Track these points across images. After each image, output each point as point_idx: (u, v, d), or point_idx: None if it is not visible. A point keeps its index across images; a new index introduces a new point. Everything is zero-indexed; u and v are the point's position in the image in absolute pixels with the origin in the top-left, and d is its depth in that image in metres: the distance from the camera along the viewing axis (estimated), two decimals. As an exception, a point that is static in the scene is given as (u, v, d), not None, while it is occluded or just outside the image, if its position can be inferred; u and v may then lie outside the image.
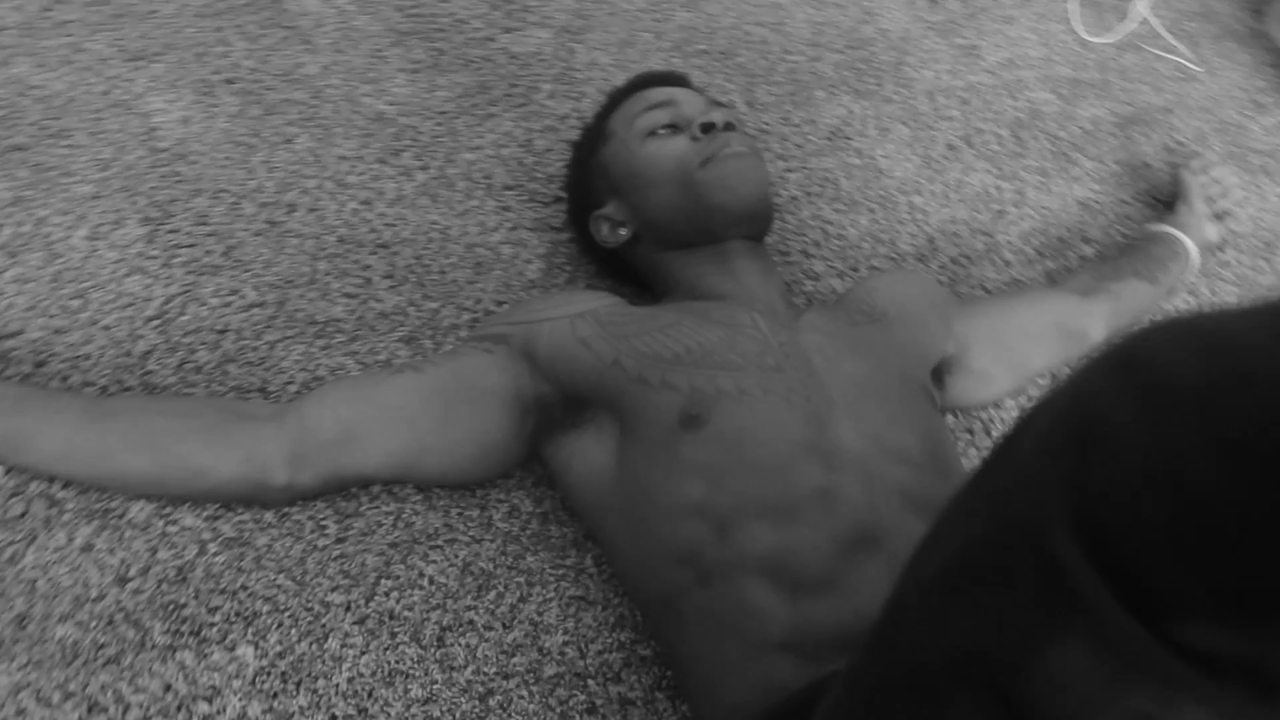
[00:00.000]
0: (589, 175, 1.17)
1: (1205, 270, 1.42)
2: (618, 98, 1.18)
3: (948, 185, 1.49)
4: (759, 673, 0.80)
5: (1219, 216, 1.43)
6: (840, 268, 1.35)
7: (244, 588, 0.94)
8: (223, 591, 0.94)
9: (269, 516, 0.98)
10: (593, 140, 1.17)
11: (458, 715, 0.91)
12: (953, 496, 0.51)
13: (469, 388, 0.98)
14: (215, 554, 0.96)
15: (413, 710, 0.91)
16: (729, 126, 1.10)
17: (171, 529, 0.96)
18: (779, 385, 0.92)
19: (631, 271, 1.19)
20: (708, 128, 1.09)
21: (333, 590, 0.96)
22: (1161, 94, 1.72)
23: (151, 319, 1.10)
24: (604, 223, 1.15)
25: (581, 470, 0.98)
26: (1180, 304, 1.38)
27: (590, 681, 0.95)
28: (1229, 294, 1.41)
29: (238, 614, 0.93)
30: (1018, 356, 1.19)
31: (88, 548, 0.94)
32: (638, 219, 1.12)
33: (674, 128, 1.11)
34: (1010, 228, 1.44)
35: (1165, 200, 1.51)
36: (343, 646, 0.93)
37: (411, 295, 1.18)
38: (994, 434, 1.19)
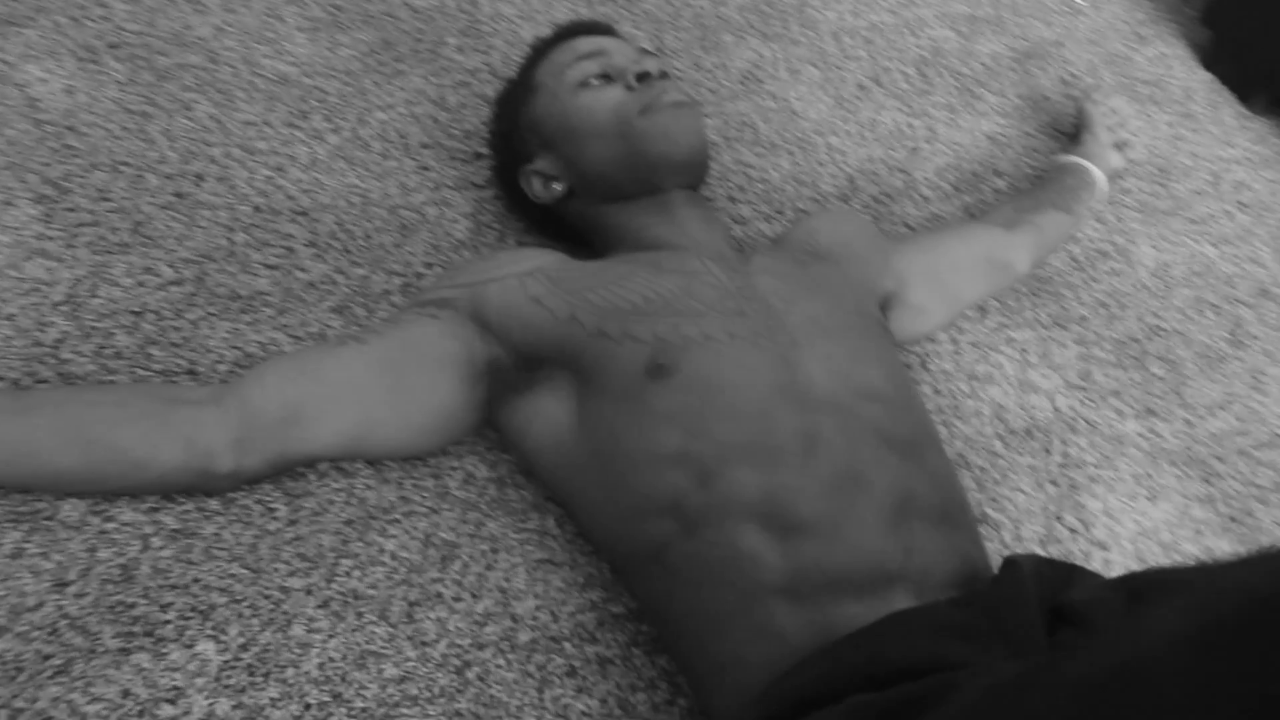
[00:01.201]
0: (517, 130, 1.13)
1: (1110, 198, 1.46)
2: (543, 49, 1.14)
3: (861, 125, 1.50)
4: (756, 620, 0.79)
5: (1119, 146, 1.48)
6: (766, 211, 1.35)
7: (196, 580, 0.89)
8: (174, 587, 0.88)
9: (214, 504, 0.93)
10: (519, 93, 1.13)
11: (436, 690, 0.88)
12: None
13: (418, 356, 0.94)
14: (160, 548, 0.90)
15: (389, 691, 0.87)
16: (663, 75, 1.08)
17: (109, 526, 0.90)
18: (743, 329, 0.91)
19: (566, 227, 1.16)
20: (643, 76, 1.06)
21: (290, 575, 0.91)
22: (1052, 28, 1.77)
23: (59, 304, 1.02)
24: (536, 178, 1.11)
25: (542, 431, 0.95)
26: (1089, 230, 1.42)
27: (566, 644, 0.93)
28: (1133, 219, 1.45)
29: (193, 609, 0.88)
30: (951, 290, 1.21)
31: (18, 553, 0.87)
32: (573, 173, 1.09)
33: (606, 78, 1.08)
34: (925, 164, 1.46)
35: (1067, 131, 1.55)
36: (308, 632, 0.88)
37: (337, 262, 1.13)
38: (930, 367, 1.21)
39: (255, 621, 0.88)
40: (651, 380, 0.88)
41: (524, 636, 0.93)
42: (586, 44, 1.10)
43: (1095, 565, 1.07)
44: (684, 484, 0.84)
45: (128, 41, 1.29)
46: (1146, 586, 0.70)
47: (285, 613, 0.89)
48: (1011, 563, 0.76)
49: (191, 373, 1.01)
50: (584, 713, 0.90)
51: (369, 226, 1.17)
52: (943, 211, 1.40)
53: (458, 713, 0.87)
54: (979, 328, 1.27)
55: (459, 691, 0.89)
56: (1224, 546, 1.11)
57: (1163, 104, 1.66)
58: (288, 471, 0.96)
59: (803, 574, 0.79)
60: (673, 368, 0.88)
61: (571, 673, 0.92)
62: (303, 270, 1.11)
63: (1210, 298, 1.37)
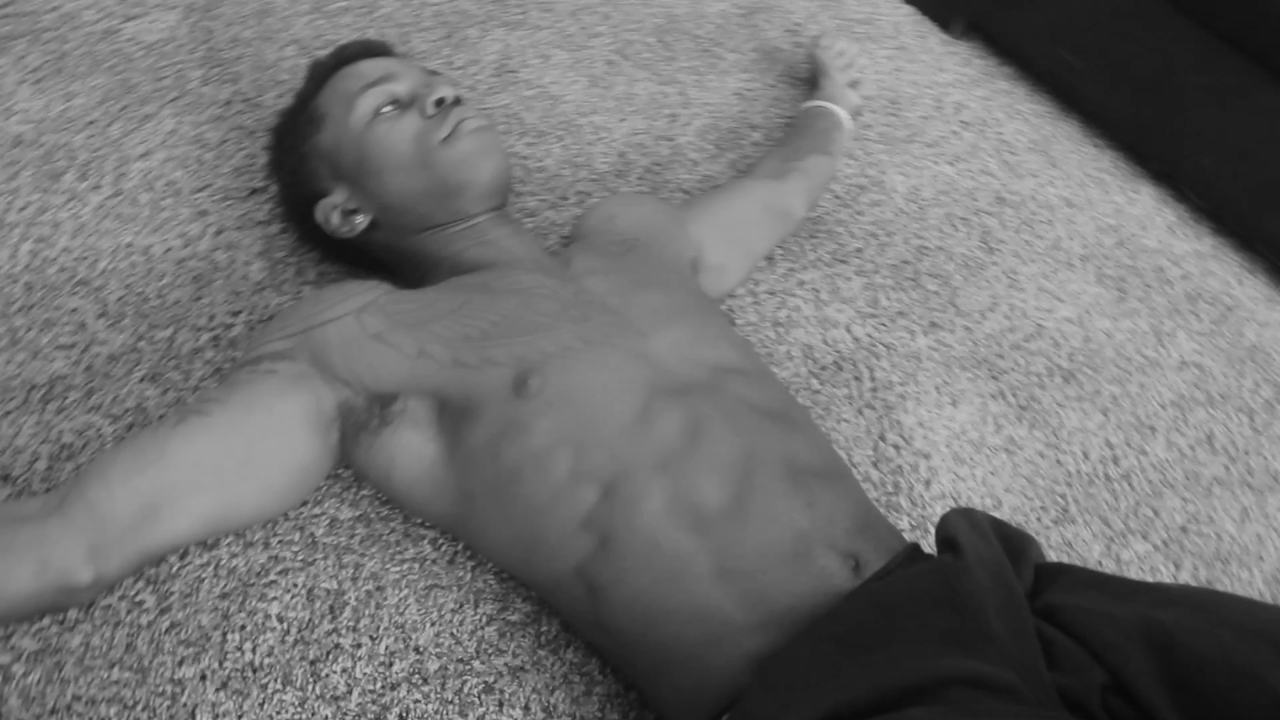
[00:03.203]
0: (304, 163, 1.09)
1: (855, 135, 1.58)
2: (322, 75, 1.10)
3: (619, 100, 1.54)
4: (693, 607, 0.81)
5: (852, 85, 1.59)
6: (551, 199, 1.37)
7: (77, 698, 0.83)
8: (52, 712, 0.82)
9: (74, 614, 0.87)
10: (302, 124, 1.09)
11: (361, 742, 0.87)
12: None
13: (265, 417, 0.90)
14: (25, 675, 0.83)
15: (314, 755, 0.85)
16: (458, 101, 1.07)
17: (-40, 663, 0.82)
18: (594, 334, 0.93)
19: (367, 258, 1.13)
20: (441, 105, 1.05)
21: (179, 664, 0.87)
22: (766, -20, 1.87)
23: None
24: (335, 212, 1.08)
25: (409, 467, 0.94)
26: (845, 169, 1.53)
27: (475, 662, 0.94)
28: (879, 151, 1.58)
29: (81, 727, 0.82)
30: (744, 245, 1.28)
31: None
32: (375, 205, 1.06)
33: (399, 104, 1.05)
34: (686, 129, 1.52)
35: (804, 78, 1.66)
36: (215, 718, 0.85)
37: (136, 328, 1.06)
38: (738, 322, 1.28)
39: (155, 723, 0.83)
40: (523, 400, 0.88)
41: (432, 665, 0.93)
42: (370, 68, 1.07)
43: (922, 474, 1.18)
44: (589, 499, 0.86)
45: None
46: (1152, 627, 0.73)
47: (185, 705, 0.85)
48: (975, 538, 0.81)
49: (7, 478, 0.93)
50: (511, 724, 0.91)
51: (159, 285, 1.10)
52: (712, 172, 1.47)
53: (389, 758, 0.87)
54: (771, 276, 1.35)
55: (384, 736, 0.88)
56: (1022, 433, 1.25)
57: (878, 40, 1.80)
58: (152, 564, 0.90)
59: (727, 556, 0.82)
60: (541, 385, 0.88)
61: (488, 689, 0.93)
62: (100, 344, 1.04)
63: (959, 212, 1.52)
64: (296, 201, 1.13)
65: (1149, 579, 1.16)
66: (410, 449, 0.93)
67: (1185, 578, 1.17)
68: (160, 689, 0.85)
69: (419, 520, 1.00)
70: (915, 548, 0.86)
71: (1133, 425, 1.31)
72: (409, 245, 1.08)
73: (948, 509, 1.15)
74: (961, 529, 0.81)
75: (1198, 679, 0.67)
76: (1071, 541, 1.18)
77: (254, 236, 1.18)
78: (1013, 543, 0.82)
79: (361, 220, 1.07)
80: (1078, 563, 1.16)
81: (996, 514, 1.17)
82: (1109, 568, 1.16)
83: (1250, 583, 1.19)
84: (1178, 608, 0.72)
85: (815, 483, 0.87)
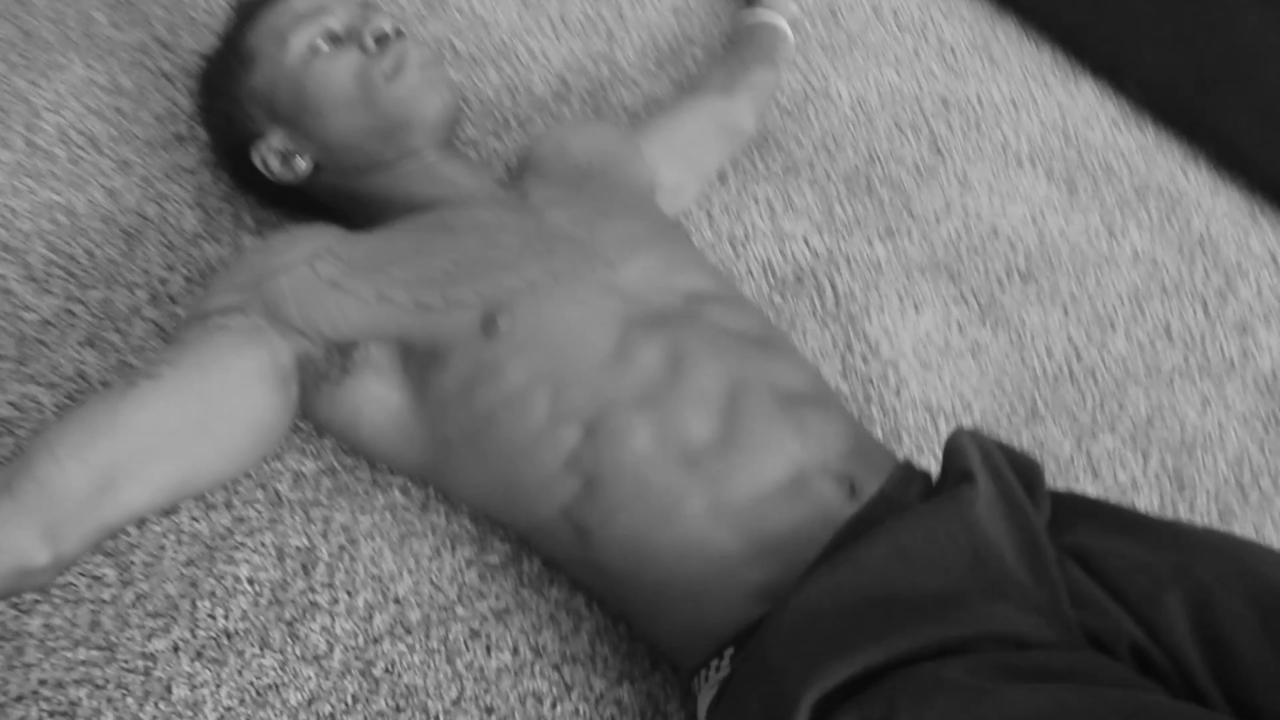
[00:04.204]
0: (236, 106, 1.02)
1: (797, 45, 1.54)
2: (248, 10, 1.03)
3: (552, 21, 1.48)
4: (693, 546, 0.79)
5: (787, -5, 1.55)
6: (492, 126, 1.32)
7: (43, 683, 0.79)
8: (18, 699, 0.78)
9: (30, 595, 0.82)
10: (231, 64, 1.02)
11: (348, 700, 0.84)
12: None
13: (221, 375, 0.84)
14: (-16, 661, 0.79)
15: (301, 717, 0.83)
16: (399, 33, 1.01)
17: (-87, 658, 0.78)
18: (563, 268, 0.89)
19: (310, 202, 1.07)
20: (382, 39, 0.99)
21: (149, 638, 0.83)
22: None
23: None
24: (273, 156, 1.01)
25: (375, 415, 0.90)
26: (789, 80, 1.49)
27: (458, 608, 0.91)
28: (821, 60, 1.54)
29: (51, 713, 0.78)
30: (697, 163, 1.25)
31: None
32: (316, 146, 1.01)
33: (335, 39, 0.99)
34: (624, 49, 1.47)
35: (739, -10, 1.61)
36: (193, 690, 0.81)
37: (67, 291, 1.00)
38: (695, 241, 1.25)
39: (130, 701, 0.80)
40: (493, 341, 0.84)
41: (414, 615, 0.90)
42: (301, 2, 1.00)
43: (891, 383, 1.17)
44: (571, 440, 0.83)
45: None
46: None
47: (159, 679, 0.81)
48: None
49: (-57, 458, 0.87)
50: (501, 668, 0.89)
51: (87, 243, 1.04)
52: (655, 91, 1.43)
53: (379, 713, 0.84)
54: (723, 193, 1.31)
55: (372, 692, 0.85)
56: (986, 335, 1.25)
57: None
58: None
59: (720, 489, 0.80)
60: (510, 324, 0.84)
61: (474, 635, 0.90)
62: (29, 310, 0.97)
63: (905, 117, 1.49)
64: (230, 147, 1.06)
65: (1119, 473, 1.17)
66: (375, 398, 0.89)
67: (1154, 468, 1.18)
68: (131, 665, 0.81)
69: (386, 467, 0.96)
70: (908, 466, 0.85)
71: (1093, 320, 1.31)
72: (355, 186, 1.03)
73: (920, 417, 1.15)
74: (974, 458, 0.78)
75: (1232, 642, 0.68)
76: (1043, 440, 1.18)
77: (184, 186, 1.12)
78: (1023, 470, 0.80)
79: (303, 163, 1.01)
80: (1050, 462, 1.16)
81: (967, 418, 1.17)
82: (1080, 464, 1.17)
83: (1215, 469, 1.20)
84: (1210, 558, 0.73)
85: (803, 407, 0.85)
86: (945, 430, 1.15)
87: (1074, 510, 0.80)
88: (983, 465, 0.77)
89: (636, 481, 0.81)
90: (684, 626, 0.81)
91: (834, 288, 1.24)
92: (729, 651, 0.76)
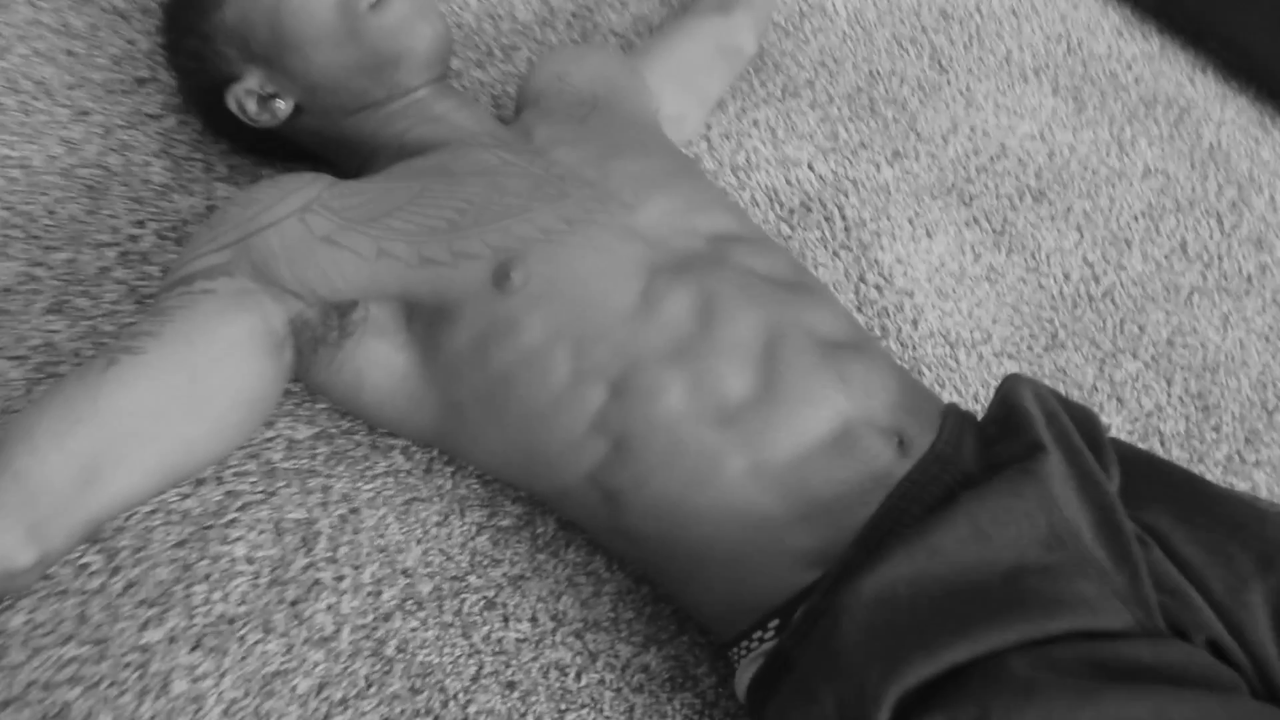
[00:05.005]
0: (206, 44, 0.93)
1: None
2: None
3: (529, -60, 1.38)
4: (733, 510, 0.74)
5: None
6: (475, 57, 1.23)
7: (31, 684, 0.73)
8: (4, 705, 0.72)
9: (10, 588, 0.76)
10: (199, 0, 0.93)
11: (361, 683, 0.79)
12: None
13: (208, 345, 0.77)
14: (-35, 665, 0.73)
15: (312, 705, 0.77)
16: None
17: (-114, 665, 0.71)
18: (577, 212, 0.82)
19: (291, 147, 0.99)
20: None
21: (142, 628, 0.77)
22: None
23: None
24: (250, 98, 0.93)
25: (379, 379, 0.83)
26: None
27: (471, 578, 0.86)
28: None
29: (42, 718, 0.72)
30: (700, 89, 1.17)
31: None
32: (298, 87, 0.92)
33: None
34: (607, -34, 1.38)
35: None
36: (194, 682, 0.76)
37: (28, 254, 0.92)
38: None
39: (127, 697, 0.74)
40: (506, 295, 0.77)
41: (425, 588, 0.84)
42: None
43: (908, 313, 1.11)
44: (597, 400, 0.76)
45: None
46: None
47: (156, 673, 0.76)
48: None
49: (-98, 444, 0.80)
50: (520, 639, 0.84)
51: (47, 200, 0.95)
52: (643, 11, 1.34)
53: (395, 695, 0.79)
54: (723, 119, 1.24)
55: (386, 673, 0.80)
56: (1000, 259, 1.19)
57: None
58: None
59: (760, 447, 0.74)
60: (525, 276, 0.77)
61: (489, 605, 0.85)
62: (-14, 276, 0.90)
63: (905, 32, 1.41)
64: (200, 90, 0.97)
65: (1144, 399, 1.12)
66: (378, 361, 0.82)
67: (1178, 393, 1.14)
68: (125, 660, 0.75)
69: (385, 430, 0.90)
70: (957, 414, 0.79)
71: (1108, 240, 1.26)
72: (342, 129, 0.95)
73: (939, 348, 1.10)
74: (1038, 419, 0.72)
75: None
76: (1065, 367, 1.13)
77: (149, 133, 1.03)
78: (1084, 427, 0.75)
79: (284, 105, 0.93)
80: (1074, 391, 1.11)
81: (986, 347, 1.12)
82: (1105, 391, 1.12)
83: (1239, 390, 1.16)
84: None
85: (844, 354, 0.78)
86: (966, 362, 1.10)
87: (1145, 479, 0.75)
88: (1048, 428, 0.72)
89: (670, 443, 0.75)
90: (723, 596, 0.76)
91: (843, 215, 1.18)
92: (774, 623, 0.71)
